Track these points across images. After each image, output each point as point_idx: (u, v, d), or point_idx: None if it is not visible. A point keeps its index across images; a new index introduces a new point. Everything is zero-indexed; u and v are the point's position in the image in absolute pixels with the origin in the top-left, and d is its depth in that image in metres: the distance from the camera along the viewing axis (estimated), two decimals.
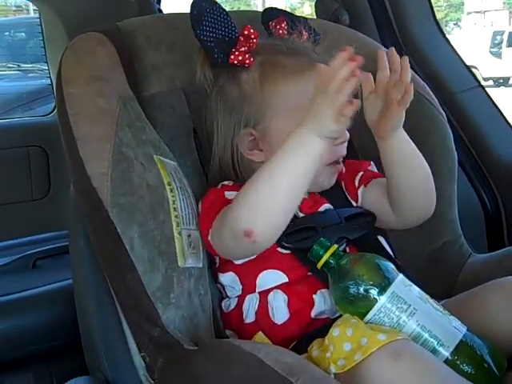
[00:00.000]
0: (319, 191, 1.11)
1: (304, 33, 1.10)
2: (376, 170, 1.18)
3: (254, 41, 1.05)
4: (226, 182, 1.07)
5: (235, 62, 1.04)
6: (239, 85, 1.06)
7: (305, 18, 1.20)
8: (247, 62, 1.04)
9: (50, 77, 2.30)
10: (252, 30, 1.05)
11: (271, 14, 1.16)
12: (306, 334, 0.99)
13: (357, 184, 1.15)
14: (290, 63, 1.05)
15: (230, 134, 1.07)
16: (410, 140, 1.06)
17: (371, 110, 1.03)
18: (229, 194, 1.02)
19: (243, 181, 1.05)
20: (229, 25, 1.06)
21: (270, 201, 0.92)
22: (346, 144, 1.09)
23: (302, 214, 1.07)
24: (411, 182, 1.07)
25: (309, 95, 0.99)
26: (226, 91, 1.07)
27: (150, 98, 1.13)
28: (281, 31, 1.11)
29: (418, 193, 1.09)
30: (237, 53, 1.04)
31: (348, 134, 1.07)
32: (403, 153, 1.05)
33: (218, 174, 1.10)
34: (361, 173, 1.16)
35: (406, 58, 1.00)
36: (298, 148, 0.91)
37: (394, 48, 1.02)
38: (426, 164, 1.08)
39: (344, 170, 1.16)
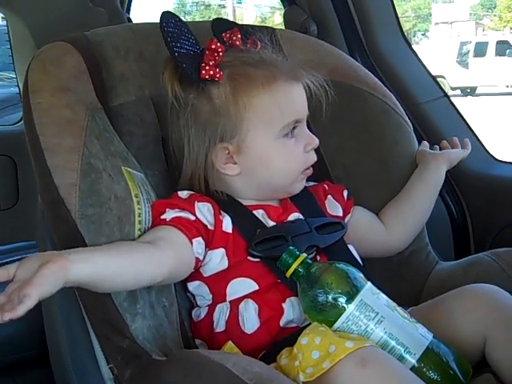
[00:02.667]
0: (289, 196, 1.12)
1: (258, 43, 1.10)
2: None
3: (221, 54, 1.03)
4: (180, 193, 1.06)
5: (206, 76, 1.02)
6: (210, 100, 1.04)
7: (256, 27, 1.22)
8: (217, 75, 1.03)
9: (18, 85, 2.27)
10: (218, 44, 1.03)
11: (222, 25, 1.14)
12: (275, 343, 1.00)
13: (345, 198, 1.20)
14: (259, 74, 1.04)
15: (204, 150, 1.05)
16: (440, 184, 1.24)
17: None
18: (169, 211, 1.01)
19: (214, 190, 1.06)
20: (192, 39, 1.05)
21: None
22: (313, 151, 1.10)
23: (271, 223, 1.07)
24: (422, 216, 1.24)
25: (282, 104, 1.00)
26: (197, 107, 1.05)
27: (119, 107, 1.12)
28: (237, 42, 1.09)
29: (421, 226, 1.25)
30: (207, 67, 1.02)
31: (317, 140, 1.08)
32: (435, 190, 1.24)
33: (189, 185, 1.09)
34: (346, 191, 1.21)
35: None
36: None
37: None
38: None
39: (327, 187, 1.20)
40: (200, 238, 1.00)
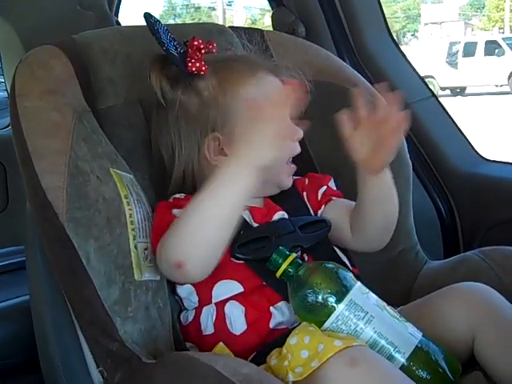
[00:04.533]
0: (275, 193, 1.12)
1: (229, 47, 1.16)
2: (335, 187, 1.19)
3: (203, 51, 1.07)
4: (177, 196, 1.07)
5: (193, 69, 1.05)
6: (198, 93, 1.07)
7: (246, 29, 1.24)
8: (203, 69, 1.06)
9: (6, 89, 2.27)
10: (200, 41, 1.07)
11: None
12: (265, 344, 1.00)
13: (319, 197, 1.16)
14: (241, 66, 1.08)
15: (196, 143, 1.07)
16: (392, 181, 1.06)
17: (360, 147, 1.00)
18: (176, 212, 1.01)
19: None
20: (174, 40, 1.08)
21: (200, 235, 0.93)
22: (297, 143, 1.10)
23: (255, 224, 1.07)
24: (381, 219, 1.09)
25: (266, 94, 1.01)
26: (186, 102, 1.07)
27: (107, 110, 1.12)
28: (214, 50, 1.12)
29: (382, 229, 1.11)
30: (193, 61, 1.05)
31: (302, 132, 1.07)
32: (386, 191, 1.06)
33: (180, 186, 1.10)
34: (324, 187, 1.17)
35: (398, 94, 0.98)
36: (227, 182, 0.91)
37: (383, 84, 1.01)
38: (397, 203, 1.10)
39: (307, 181, 1.17)
40: None
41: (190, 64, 1.05)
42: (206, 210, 0.92)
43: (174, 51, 1.07)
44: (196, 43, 1.06)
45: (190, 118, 1.07)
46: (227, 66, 1.08)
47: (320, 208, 1.15)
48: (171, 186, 1.10)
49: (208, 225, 0.93)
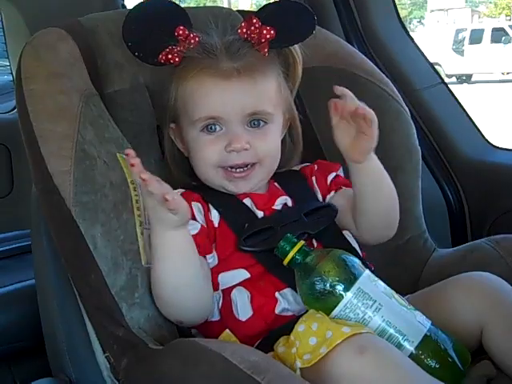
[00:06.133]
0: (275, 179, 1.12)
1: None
2: (343, 175, 1.17)
3: (186, 41, 1.05)
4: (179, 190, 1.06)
5: (162, 61, 1.06)
6: (169, 82, 1.09)
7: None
8: (173, 60, 1.06)
9: (11, 73, 2.25)
10: (187, 32, 1.05)
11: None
12: (271, 330, 0.99)
13: (329, 183, 1.15)
14: (193, 63, 1.05)
15: (166, 130, 1.11)
16: (382, 167, 1.05)
17: (343, 135, 1.01)
18: None
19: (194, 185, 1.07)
20: (166, 26, 1.06)
21: (170, 289, 0.95)
22: (242, 153, 1.05)
23: (258, 211, 1.07)
24: (378, 208, 1.07)
25: (196, 98, 1.04)
26: (167, 88, 1.10)
27: (113, 94, 1.12)
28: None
29: (382, 219, 1.10)
30: (166, 51, 1.06)
31: (241, 144, 1.03)
32: (374, 178, 1.05)
33: (180, 174, 1.11)
34: (333, 173, 1.16)
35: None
36: (163, 247, 0.93)
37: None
38: (396, 194, 1.08)
39: (316, 167, 1.16)
40: (210, 254, 1.02)
41: (160, 55, 1.06)
42: (162, 272, 0.95)
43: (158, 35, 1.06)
44: (180, 32, 1.05)
45: (164, 104, 1.10)
46: (190, 60, 1.06)
47: (329, 193, 1.14)
48: (174, 172, 1.12)
49: (170, 280, 0.95)
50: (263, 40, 1.06)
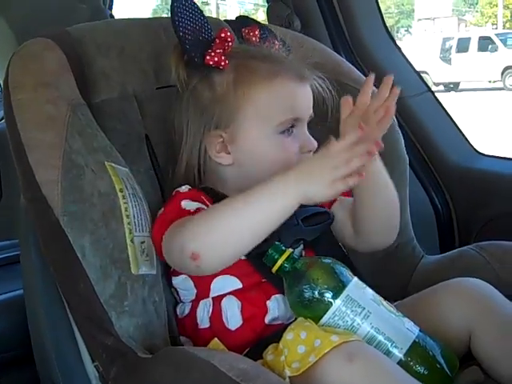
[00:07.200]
0: None
1: (276, 43, 1.11)
2: None
3: (230, 44, 1.05)
4: (180, 189, 1.06)
5: (210, 62, 1.04)
6: (212, 86, 1.05)
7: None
8: (222, 63, 1.04)
9: None
10: (229, 33, 1.05)
11: (244, 22, 1.17)
12: (260, 339, 0.99)
13: None
14: (264, 68, 1.05)
15: (200, 135, 1.06)
16: (384, 171, 1.05)
17: (348, 132, 0.98)
18: (185, 204, 1.00)
19: (202, 187, 1.05)
20: (205, 26, 1.07)
21: (230, 236, 0.92)
22: None
23: None
24: (377, 212, 1.07)
25: (281, 100, 1.01)
26: (198, 92, 1.06)
27: (101, 104, 1.11)
28: (254, 38, 1.12)
29: (383, 223, 1.10)
30: (213, 54, 1.04)
31: (315, 144, 1.06)
32: (377, 182, 1.05)
33: (182, 178, 1.09)
34: None
35: (396, 89, 1.00)
36: (277, 197, 0.90)
37: (389, 78, 1.01)
38: (397, 198, 1.08)
39: None
40: None
41: (208, 57, 1.04)
42: (246, 214, 0.91)
43: (198, 38, 1.05)
44: (223, 35, 1.04)
45: (198, 110, 1.06)
46: (248, 65, 1.05)
47: (333, 203, 1.14)
48: (176, 174, 1.10)
49: (242, 229, 0.91)
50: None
